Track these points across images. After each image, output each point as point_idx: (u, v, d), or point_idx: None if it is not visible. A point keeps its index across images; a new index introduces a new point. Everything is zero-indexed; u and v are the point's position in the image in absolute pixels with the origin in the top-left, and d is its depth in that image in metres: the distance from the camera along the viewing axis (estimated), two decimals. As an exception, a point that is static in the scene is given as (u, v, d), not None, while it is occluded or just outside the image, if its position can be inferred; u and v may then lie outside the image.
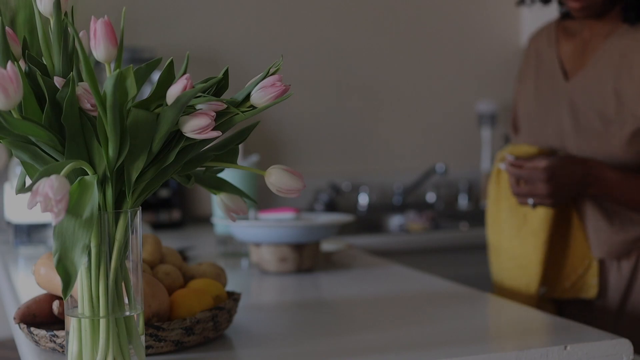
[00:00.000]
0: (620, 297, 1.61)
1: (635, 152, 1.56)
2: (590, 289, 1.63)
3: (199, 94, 0.83)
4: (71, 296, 0.84)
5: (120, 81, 0.80)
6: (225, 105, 0.84)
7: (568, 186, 1.54)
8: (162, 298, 0.99)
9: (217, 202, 0.97)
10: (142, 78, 0.86)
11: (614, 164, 1.57)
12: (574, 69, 1.67)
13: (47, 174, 0.75)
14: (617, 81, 1.58)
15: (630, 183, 1.55)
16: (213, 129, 0.82)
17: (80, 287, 0.83)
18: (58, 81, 0.82)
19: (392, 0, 2.91)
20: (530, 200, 1.54)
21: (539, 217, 1.63)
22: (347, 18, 2.85)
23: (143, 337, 0.87)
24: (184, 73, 0.84)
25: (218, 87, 0.86)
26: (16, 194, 0.85)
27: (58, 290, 1.00)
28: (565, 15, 1.75)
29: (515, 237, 1.68)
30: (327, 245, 1.73)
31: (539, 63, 1.75)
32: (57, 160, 0.82)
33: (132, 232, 0.85)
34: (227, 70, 0.86)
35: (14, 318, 1.01)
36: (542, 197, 1.52)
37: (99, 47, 0.80)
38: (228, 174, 1.28)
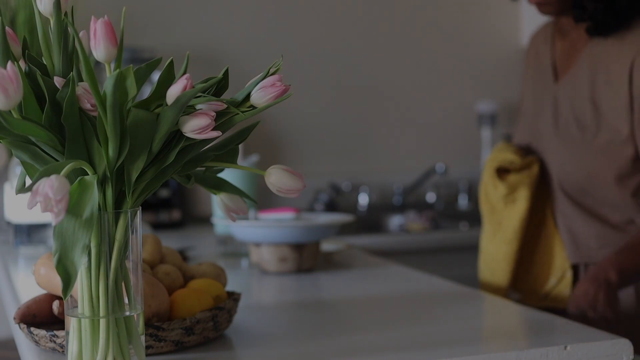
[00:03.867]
0: (635, 298, 1.61)
1: (607, 163, 1.55)
2: (563, 300, 1.63)
3: (199, 94, 0.83)
4: (71, 296, 0.84)
5: (120, 81, 0.80)
6: (225, 105, 0.84)
7: (592, 297, 1.51)
8: (162, 298, 0.99)
9: (217, 202, 0.97)
10: (142, 78, 0.86)
11: (587, 170, 1.57)
12: (563, 71, 1.68)
13: (47, 174, 0.75)
14: (593, 88, 1.58)
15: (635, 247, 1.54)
16: (213, 129, 0.82)
17: (80, 287, 0.83)
18: (58, 81, 0.82)
19: (393, 0, 2.91)
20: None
21: (512, 227, 1.65)
22: (347, 18, 2.85)
23: (143, 337, 0.87)
24: (184, 73, 0.84)
25: (218, 87, 0.86)
26: (16, 194, 0.85)
27: (58, 290, 1.00)
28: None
29: (491, 241, 1.71)
30: (327, 245, 1.73)
31: (537, 62, 1.76)
32: (57, 160, 0.82)
33: (132, 232, 0.85)
34: (227, 70, 0.86)
35: (14, 318, 1.01)
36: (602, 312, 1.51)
37: (99, 47, 0.80)
38: (228, 174, 1.28)
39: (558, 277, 1.64)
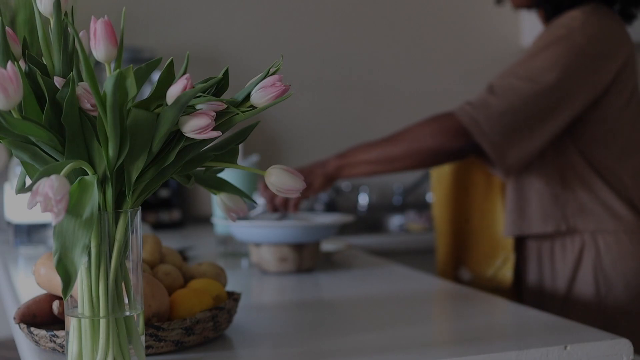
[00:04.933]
0: (567, 284, 1.65)
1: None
2: (505, 281, 1.73)
3: (199, 94, 0.83)
4: (71, 296, 0.84)
5: (120, 81, 0.80)
6: (225, 105, 0.84)
7: (312, 170, 1.70)
8: (162, 298, 0.99)
9: (217, 202, 0.97)
10: (142, 78, 0.85)
11: None
12: None
13: (47, 174, 0.75)
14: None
15: (380, 142, 1.67)
16: (213, 129, 0.82)
17: (80, 287, 0.83)
18: (58, 81, 0.82)
19: (393, 0, 2.91)
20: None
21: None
22: (347, 18, 2.85)
23: (143, 337, 0.87)
24: (184, 73, 0.84)
25: (218, 87, 0.86)
26: (16, 194, 0.85)
27: (58, 290, 1.00)
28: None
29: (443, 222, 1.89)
30: (327, 245, 1.73)
31: None
32: (57, 160, 0.82)
33: (132, 232, 0.85)
34: (227, 70, 0.86)
35: (14, 318, 1.01)
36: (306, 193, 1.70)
37: (99, 47, 0.80)
38: (228, 174, 1.29)
39: (503, 258, 1.70)
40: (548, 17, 1.72)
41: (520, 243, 1.76)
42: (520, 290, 1.79)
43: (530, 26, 2.90)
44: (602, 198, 1.62)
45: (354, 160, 1.68)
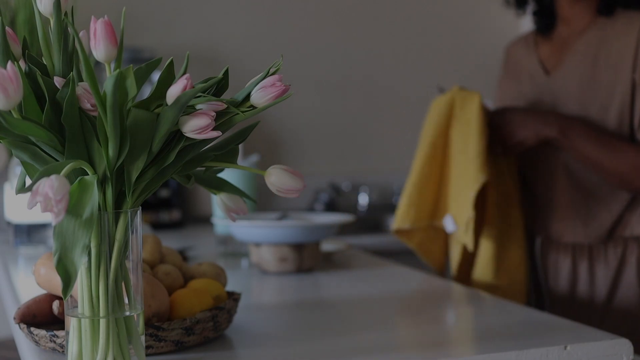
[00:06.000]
0: (608, 290, 1.62)
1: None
2: (519, 296, 1.67)
3: (199, 94, 0.83)
4: (71, 296, 0.84)
5: (120, 81, 0.80)
6: (225, 105, 0.84)
7: (528, 119, 1.58)
8: (162, 298, 0.99)
9: (217, 202, 0.97)
10: (142, 78, 0.85)
11: None
12: (554, 66, 1.72)
13: (47, 174, 0.75)
14: (594, 70, 1.61)
15: (606, 143, 1.55)
16: (213, 129, 0.82)
17: (80, 287, 0.83)
18: (58, 81, 0.82)
19: (392, 0, 2.91)
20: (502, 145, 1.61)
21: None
22: (347, 18, 2.85)
23: (143, 337, 0.87)
24: (184, 73, 0.84)
25: (218, 87, 0.86)
26: (16, 194, 0.85)
27: (58, 290, 1.00)
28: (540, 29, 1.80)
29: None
30: (327, 245, 1.73)
31: (519, 70, 1.81)
32: (57, 160, 0.82)
33: (132, 232, 0.85)
34: (227, 70, 0.86)
35: (14, 318, 1.01)
36: (506, 137, 1.59)
37: (99, 47, 0.80)
38: (228, 174, 1.29)
39: (521, 273, 1.67)
40: (606, 8, 1.64)
41: (545, 247, 1.72)
42: (537, 293, 1.75)
43: (530, 26, 2.89)
44: None
45: (576, 144, 1.56)
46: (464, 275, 1.73)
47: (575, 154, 1.58)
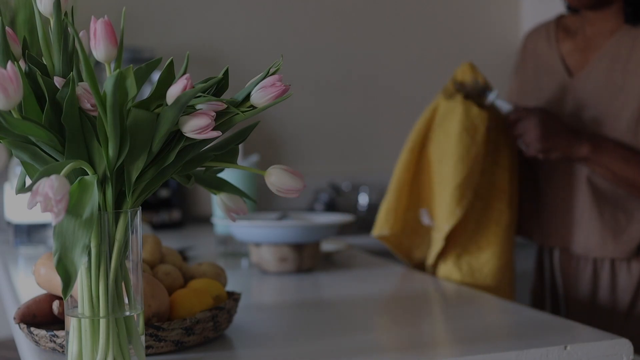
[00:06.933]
0: (630, 299, 1.61)
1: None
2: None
3: (199, 94, 0.83)
4: (71, 296, 0.84)
5: (120, 81, 0.80)
6: (225, 105, 0.84)
7: (559, 134, 1.54)
8: (162, 298, 0.99)
9: (217, 202, 0.97)
10: (142, 78, 0.85)
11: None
12: (577, 66, 1.67)
13: (47, 174, 0.75)
14: (623, 77, 1.58)
15: (637, 160, 1.53)
16: (213, 129, 0.82)
17: (80, 287, 0.83)
18: (58, 81, 0.82)
19: (393, 0, 2.91)
20: (523, 145, 1.57)
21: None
22: (347, 18, 2.85)
23: (143, 337, 0.87)
24: (184, 73, 0.84)
25: (218, 87, 0.86)
26: (16, 194, 0.85)
27: (58, 290, 1.00)
28: (567, 10, 1.74)
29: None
30: (327, 245, 1.73)
31: (538, 62, 1.75)
32: (57, 160, 0.82)
33: (132, 232, 0.85)
34: (227, 70, 0.86)
35: (14, 318, 1.01)
36: (531, 141, 1.54)
37: (99, 47, 0.80)
38: (228, 174, 1.28)
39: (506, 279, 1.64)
40: (631, 17, 1.60)
41: (564, 258, 1.68)
42: (552, 300, 1.72)
43: (530, 25, 2.89)
44: None
45: (606, 163, 1.55)
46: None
47: (602, 171, 1.56)
